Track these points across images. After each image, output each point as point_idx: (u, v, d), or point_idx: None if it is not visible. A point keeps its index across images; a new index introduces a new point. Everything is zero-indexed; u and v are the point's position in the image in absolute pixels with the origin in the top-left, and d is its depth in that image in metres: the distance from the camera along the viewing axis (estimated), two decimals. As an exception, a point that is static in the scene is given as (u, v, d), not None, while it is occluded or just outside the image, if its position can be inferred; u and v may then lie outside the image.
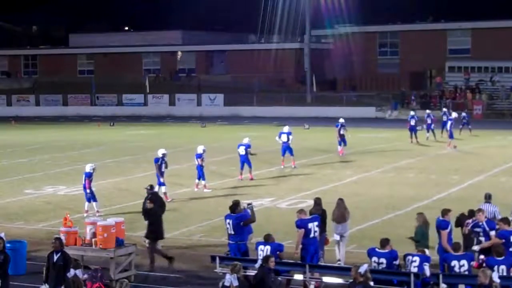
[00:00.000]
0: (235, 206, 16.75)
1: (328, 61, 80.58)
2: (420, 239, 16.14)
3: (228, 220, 16.48)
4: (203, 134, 51.30)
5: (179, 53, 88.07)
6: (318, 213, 17.21)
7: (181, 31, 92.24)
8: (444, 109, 48.28)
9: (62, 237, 16.84)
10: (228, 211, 16.79)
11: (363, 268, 12.66)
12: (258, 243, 15.67)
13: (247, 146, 30.46)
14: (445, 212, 16.26)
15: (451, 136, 40.87)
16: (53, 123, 64.03)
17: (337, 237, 17.64)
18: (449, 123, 41.35)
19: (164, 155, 26.34)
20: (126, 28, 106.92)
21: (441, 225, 15.98)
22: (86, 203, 23.76)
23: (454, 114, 43.76)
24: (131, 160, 37.76)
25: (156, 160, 26.20)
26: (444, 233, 15.82)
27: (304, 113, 64.55)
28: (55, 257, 14.85)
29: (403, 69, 79.08)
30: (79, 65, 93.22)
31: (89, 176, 23.60)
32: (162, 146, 41.97)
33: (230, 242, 16.46)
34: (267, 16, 75.64)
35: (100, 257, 17.16)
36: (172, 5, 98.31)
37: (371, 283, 12.82)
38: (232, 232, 16.36)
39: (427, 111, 46.32)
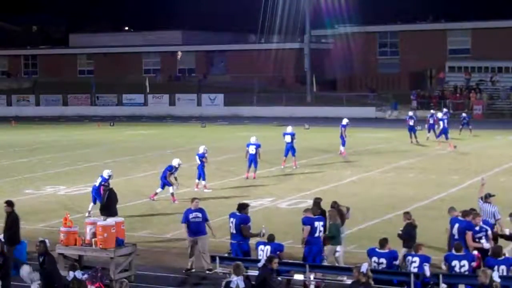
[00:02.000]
0: (243, 206, 16.70)
1: (328, 61, 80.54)
2: (334, 235, 16.39)
3: (232, 219, 16.45)
4: (203, 134, 51.30)
5: (179, 53, 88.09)
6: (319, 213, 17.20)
7: (181, 31, 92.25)
8: (444, 109, 48.25)
9: (62, 236, 16.86)
10: (228, 210, 16.75)
11: (364, 267, 12.68)
12: (259, 243, 15.67)
13: (257, 146, 30.49)
14: (467, 213, 16.27)
15: (444, 134, 40.91)
16: (53, 123, 64.01)
17: None
18: (445, 121, 41.48)
19: (179, 165, 26.18)
20: (126, 28, 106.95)
21: (469, 227, 15.94)
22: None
23: (440, 114, 43.50)
24: (131, 160, 37.75)
25: (170, 168, 25.97)
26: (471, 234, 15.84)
27: (304, 113, 64.54)
28: (41, 260, 14.85)
29: (403, 69, 79.09)
30: (79, 65, 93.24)
31: (106, 181, 23.42)
32: (162, 146, 42.25)
33: (232, 241, 16.44)
34: (267, 16, 75.65)
35: (100, 257, 17.16)
36: (172, 5, 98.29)
37: (372, 280, 12.83)
38: (234, 232, 16.36)
39: (431, 111, 46.26)
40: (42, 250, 14.91)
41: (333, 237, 16.31)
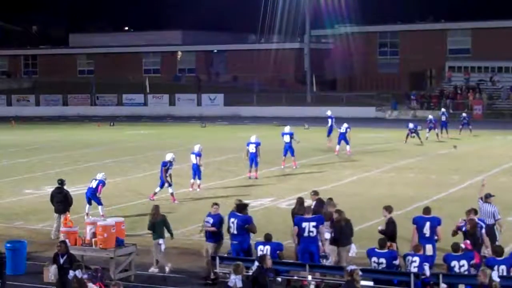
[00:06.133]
0: (243, 206, 16.64)
1: (328, 61, 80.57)
2: (155, 229, 17.46)
3: (232, 219, 16.35)
4: (203, 134, 51.29)
5: (179, 53, 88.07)
6: (301, 212, 16.99)
7: (181, 31, 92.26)
8: (443, 109, 48.22)
9: (62, 236, 16.88)
10: (228, 210, 16.68)
11: (349, 267, 12.83)
12: (258, 243, 15.65)
13: (257, 144, 30.51)
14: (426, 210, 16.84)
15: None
16: (53, 123, 64.02)
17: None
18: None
19: (173, 159, 26.16)
20: (126, 28, 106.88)
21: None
22: (100, 207, 23.48)
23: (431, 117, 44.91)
24: (131, 160, 37.75)
25: (164, 164, 25.93)
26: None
27: (304, 113, 64.53)
28: (61, 260, 14.86)
29: (403, 69, 79.10)
30: (79, 65, 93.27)
31: (103, 183, 23.41)
32: (162, 146, 42.22)
33: (233, 242, 16.38)
34: (267, 16, 75.64)
35: (100, 257, 17.15)
36: (172, 5, 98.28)
37: (359, 285, 12.79)
38: (235, 232, 16.29)
39: (430, 116, 46.13)
40: (63, 250, 14.98)
41: (154, 231, 17.40)
